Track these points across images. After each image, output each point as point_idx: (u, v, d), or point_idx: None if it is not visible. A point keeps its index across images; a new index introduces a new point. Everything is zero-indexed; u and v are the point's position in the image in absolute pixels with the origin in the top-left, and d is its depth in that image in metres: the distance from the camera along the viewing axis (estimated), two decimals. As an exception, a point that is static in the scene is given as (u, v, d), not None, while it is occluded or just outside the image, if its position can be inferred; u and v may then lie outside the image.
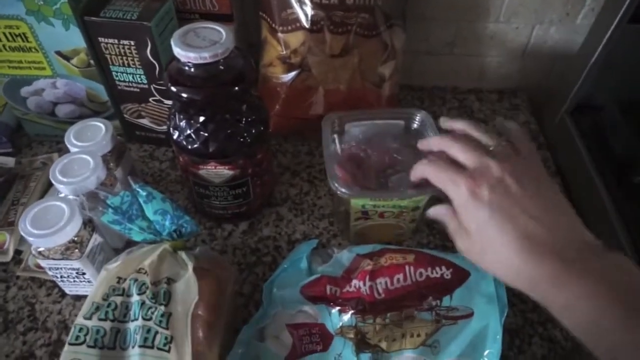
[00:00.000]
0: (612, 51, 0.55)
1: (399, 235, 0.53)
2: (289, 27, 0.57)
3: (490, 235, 0.35)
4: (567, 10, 0.65)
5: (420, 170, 0.41)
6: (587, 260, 0.32)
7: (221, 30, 0.44)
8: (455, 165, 0.38)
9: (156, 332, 0.37)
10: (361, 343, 0.42)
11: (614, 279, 0.31)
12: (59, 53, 0.55)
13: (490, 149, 0.38)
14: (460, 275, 0.45)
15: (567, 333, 0.46)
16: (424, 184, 0.42)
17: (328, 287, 0.45)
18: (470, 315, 0.43)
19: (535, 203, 0.34)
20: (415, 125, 0.52)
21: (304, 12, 0.55)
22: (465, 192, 0.36)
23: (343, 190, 0.44)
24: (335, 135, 0.51)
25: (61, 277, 0.46)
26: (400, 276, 0.45)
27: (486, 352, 0.41)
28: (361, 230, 0.51)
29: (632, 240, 0.49)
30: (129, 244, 0.51)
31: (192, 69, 0.43)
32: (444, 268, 0.45)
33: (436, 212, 0.41)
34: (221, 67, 0.43)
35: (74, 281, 0.46)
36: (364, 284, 0.45)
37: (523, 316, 0.48)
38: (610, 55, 0.56)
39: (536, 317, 0.48)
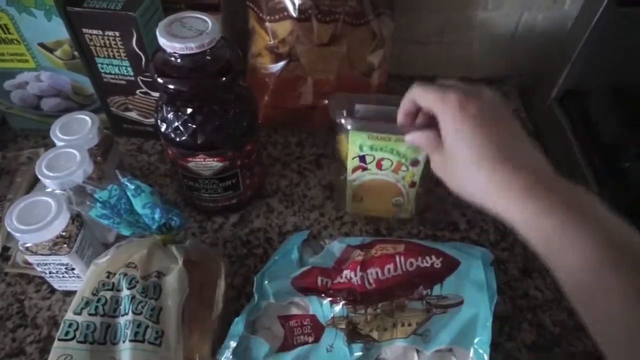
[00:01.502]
0: (600, 36, 0.55)
1: (398, 205, 0.52)
2: (277, 17, 0.56)
3: (466, 147, 0.35)
4: (555, -3, 0.65)
5: (409, 95, 0.40)
6: (554, 183, 0.34)
7: (207, 19, 0.43)
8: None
9: (147, 326, 0.37)
10: (353, 333, 0.42)
11: (578, 202, 0.32)
12: (42, 45, 0.54)
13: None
14: (450, 264, 0.45)
15: (556, 319, 0.47)
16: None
17: (319, 279, 0.45)
18: (460, 303, 0.43)
19: (512, 132, 0.36)
20: None
21: (292, 1, 0.54)
22: (454, 103, 0.36)
23: (343, 121, 0.45)
24: (344, 111, 0.49)
25: (50, 272, 0.45)
26: (391, 266, 0.45)
27: (476, 340, 0.41)
28: (359, 191, 0.51)
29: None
30: (118, 238, 0.50)
31: (179, 60, 0.43)
32: (434, 257, 0.45)
33: (413, 136, 0.42)
34: (208, 58, 0.43)
35: (63, 277, 0.46)
36: (355, 275, 0.45)
37: (513, 303, 0.48)
38: (598, 40, 0.56)
39: (525, 303, 0.48)
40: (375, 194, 0.51)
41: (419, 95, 0.39)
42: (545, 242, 0.32)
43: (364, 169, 0.49)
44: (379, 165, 0.48)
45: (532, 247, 0.33)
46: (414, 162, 0.47)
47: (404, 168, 0.48)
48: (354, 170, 0.49)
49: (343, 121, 0.46)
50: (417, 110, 0.42)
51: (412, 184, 0.50)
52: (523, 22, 0.69)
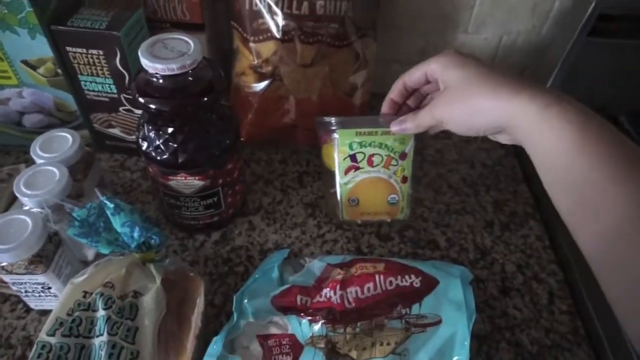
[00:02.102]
0: (573, 64, 0.57)
1: (394, 204, 0.53)
2: (261, 37, 0.57)
3: (476, 67, 0.38)
4: (532, 23, 0.67)
5: (398, 80, 0.45)
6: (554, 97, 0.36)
7: (189, 41, 0.44)
8: None
9: (122, 347, 0.36)
10: (331, 353, 0.42)
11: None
12: (25, 62, 0.54)
13: None
14: (430, 283, 0.46)
15: (534, 337, 0.48)
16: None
17: (299, 297, 0.45)
18: (438, 322, 0.43)
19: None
20: None
21: (275, 22, 0.55)
22: (451, 52, 0.40)
23: (331, 120, 0.49)
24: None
25: (26, 292, 0.45)
26: (371, 285, 0.45)
27: (454, 359, 0.41)
28: (353, 194, 0.52)
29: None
30: (98, 256, 0.50)
31: (160, 80, 0.43)
32: (413, 276, 0.46)
33: (396, 124, 0.45)
34: (190, 78, 0.43)
35: (39, 296, 0.45)
36: (335, 294, 0.45)
37: (491, 322, 0.49)
38: (571, 66, 0.58)
39: (504, 322, 0.49)
40: (370, 193, 0.52)
41: (410, 73, 0.43)
42: (555, 132, 0.34)
43: (357, 168, 0.51)
44: (370, 162, 0.50)
45: (534, 148, 0.38)
46: (403, 155, 0.50)
47: (394, 162, 0.50)
48: (347, 171, 0.51)
49: (328, 120, 0.48)
50: (400, 103, 0.46)
51: (404, 179, 0.52)
52: (502, 45, 0.71)
